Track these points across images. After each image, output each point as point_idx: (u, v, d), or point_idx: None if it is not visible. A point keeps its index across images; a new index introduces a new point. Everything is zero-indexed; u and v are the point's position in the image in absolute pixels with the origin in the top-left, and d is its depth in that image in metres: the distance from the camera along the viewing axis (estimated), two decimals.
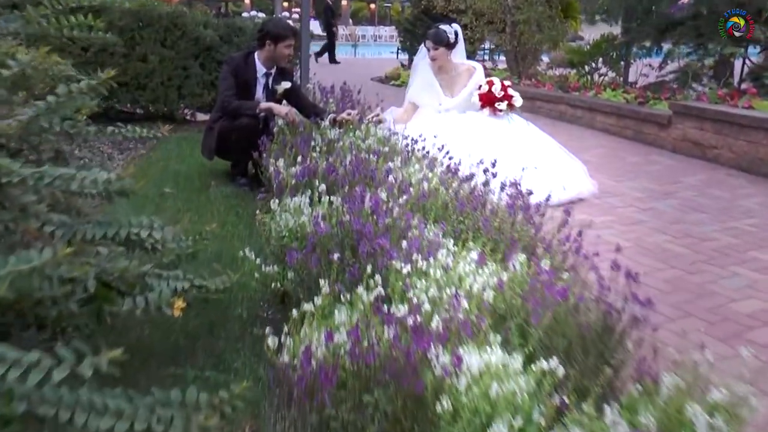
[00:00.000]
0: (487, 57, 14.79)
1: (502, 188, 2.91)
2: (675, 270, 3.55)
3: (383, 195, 2.61)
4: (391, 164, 3.26)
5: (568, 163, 5.08)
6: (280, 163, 3.57)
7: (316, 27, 32.37)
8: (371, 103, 5.49)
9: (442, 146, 4.12)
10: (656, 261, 3.68)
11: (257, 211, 3.00)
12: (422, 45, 5.51)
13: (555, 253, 2.45)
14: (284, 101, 4.96)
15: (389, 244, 2.14)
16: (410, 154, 3.94)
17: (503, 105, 5.10)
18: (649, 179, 5.61)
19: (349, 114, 4.63)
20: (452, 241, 2.39)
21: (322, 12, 21.52)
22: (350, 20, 37.96)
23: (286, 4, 40.53)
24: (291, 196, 2.89)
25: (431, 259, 2.04)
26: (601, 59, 10.10)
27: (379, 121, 4.96)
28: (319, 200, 2.80)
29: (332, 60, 18.97)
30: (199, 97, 6.95)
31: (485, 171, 3.05)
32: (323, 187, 2.79)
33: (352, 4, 40.21)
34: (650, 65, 9.41)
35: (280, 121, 4.56)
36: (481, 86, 5.19)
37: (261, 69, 4.86)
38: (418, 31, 14.31)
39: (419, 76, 5.45)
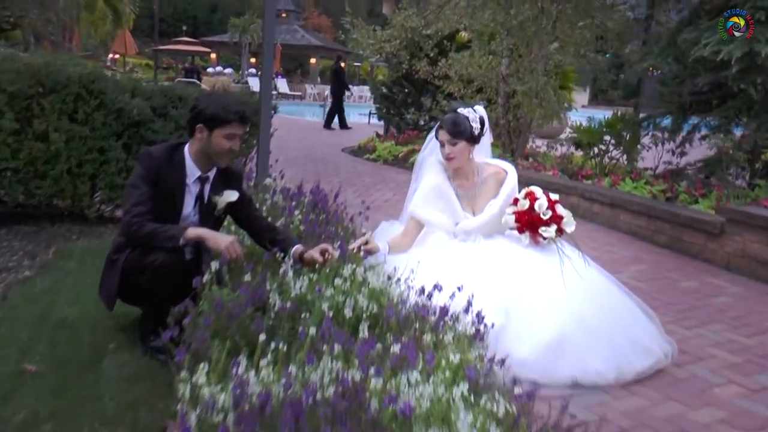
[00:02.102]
0: None
1: None
2: None
3: None
4: None
5: (640, 318, 3.48)
6: (201, 380, 1.91)
7: (282, 84, 31.02)
8: (353, 212, 3.95)
9: (468, 305, 2.68)
10: None
11: None
12: (431, 135, 3.84)
13: None
14: (226, 222, 3.32)
15: None
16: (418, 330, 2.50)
17: (551, 230, 3.44)
18: (726, 323, 4.19)
19: (324, 252, 2.98)
20: None
21: (330, 74, 20.21)
22: (318, 78, 36.90)
23: (253, 60, 38.99)
24: None
25: None
26: (611, 140, 8.69)
27: (369, 252, 3.36)
28: None
29: (343, 126, 17.85)
30: (120, 190, 4.94)
31: None
32: None
33: (321, 63, 39.23)
34: (671, 151, 8.02)
35: (215, 264, 2.81)
36: (517, 200, 3.55)
37: (193, 171, 3.17)
38: (397, 97, 12.90)
39: (426, 181, 3.73)
